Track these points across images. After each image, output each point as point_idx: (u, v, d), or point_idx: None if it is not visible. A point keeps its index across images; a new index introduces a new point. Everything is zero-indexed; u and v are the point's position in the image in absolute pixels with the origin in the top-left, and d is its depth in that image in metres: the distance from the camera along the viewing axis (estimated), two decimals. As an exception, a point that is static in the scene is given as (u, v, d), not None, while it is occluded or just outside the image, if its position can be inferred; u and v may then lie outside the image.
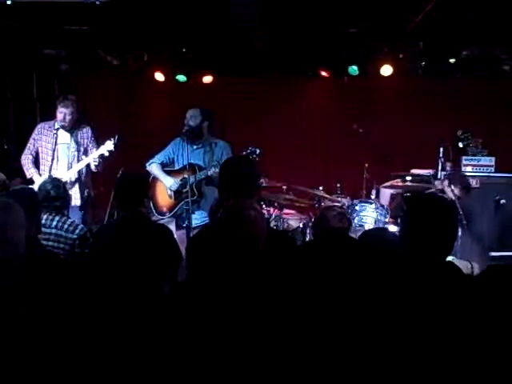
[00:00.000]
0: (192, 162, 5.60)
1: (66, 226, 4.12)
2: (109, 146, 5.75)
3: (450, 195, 5.46)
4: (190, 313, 2.36)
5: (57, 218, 4.13)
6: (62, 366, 2.31)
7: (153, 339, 2.35)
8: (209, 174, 5.53)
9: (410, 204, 2.70)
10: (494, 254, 5.68)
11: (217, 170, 5.30)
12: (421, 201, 2.65)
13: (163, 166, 5.89)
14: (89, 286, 2.70)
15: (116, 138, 5.74)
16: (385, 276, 2.48)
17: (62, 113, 5.85)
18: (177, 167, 5.85)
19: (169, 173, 5.84)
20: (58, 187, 4.26)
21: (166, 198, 5.82)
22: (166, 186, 5.79)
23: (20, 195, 3.65)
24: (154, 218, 5.68)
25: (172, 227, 5.27)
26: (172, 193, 5.77)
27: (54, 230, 4.09)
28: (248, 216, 2.52)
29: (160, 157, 5.89)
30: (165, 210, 5.81)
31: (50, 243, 4.03)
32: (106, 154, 5.77)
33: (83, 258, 4.04)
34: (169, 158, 5.89)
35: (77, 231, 4.12)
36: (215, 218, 3.57)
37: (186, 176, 5.53)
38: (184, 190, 5.61)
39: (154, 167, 5.86)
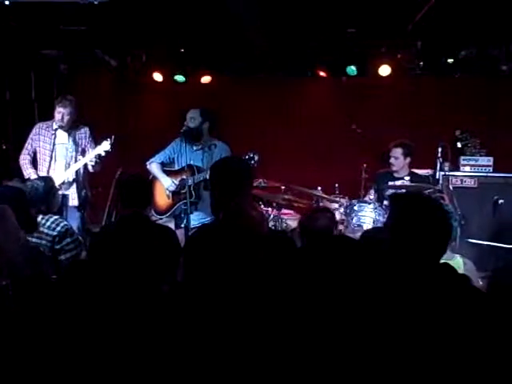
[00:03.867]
0: (191, 163, 5.60)
1: (48, 224, 4.15)
2: (105, 146, 5.75)
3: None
4: (188, 313, 2.36)
5: (41, 216, 4.17)
6: (59, 366, 2.30)
7: (150, 339, 2.35)
8: (207, 177, 5.52)
9: (397, 204, 2.63)
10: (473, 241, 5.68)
11: None
12: (407, 201, 2.59)
13: (163, 165, 5.88)
14: (89, 284, 2.70)
15: (112, 138, 5.74)
16: (382, 277, 2.47)
17: (60, 113, 5.85)
18: (176, 167, 5.85)
19: (168, 173, 5.84)
20: (36, 190, 4.26)
21: (164, 197, 5.82)
22: (164, 186, 5.79)
23: (6, 195, 3.71)
24: (152, 218, 5.69)
25: (170, 227, 5.28)
26: (170, 193, 5.78)
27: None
28: (249, 216, 2.52)
29: (160, 156, 5.89)
30: (163, 209, 5.81)
31: (34, 240, 4.08)
32: (103, 154, 5.77)
33: (65, 255, 4.10)
34: (169, 158, 5.88)
35: (58, 228, 4.15)
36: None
37: (184, 177, 5.54)
38: (182, 192, 5.62)
39: (153, 166, 5.86)
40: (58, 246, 4.13)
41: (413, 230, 2.42)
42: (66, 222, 4.33)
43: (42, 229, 4.14)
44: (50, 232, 4.14)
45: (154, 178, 5.83)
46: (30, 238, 4.04)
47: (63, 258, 4.13)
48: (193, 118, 5.73)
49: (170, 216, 5.78)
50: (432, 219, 2.44)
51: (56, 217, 4.30)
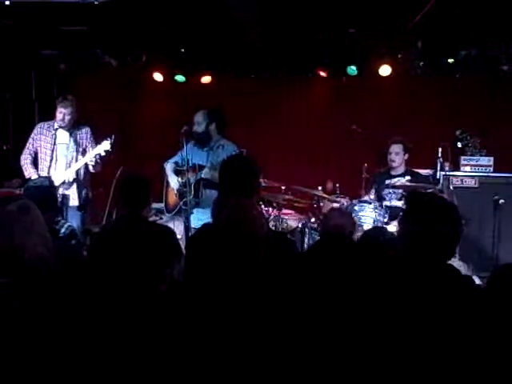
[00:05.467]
0: (197, 162, 5.67)
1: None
2: (106, 145, 5.75)
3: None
4: (189, 312, 2.35)
5: None
6: (58, 365, 2.30)
7: (151, 339, 2.35)
8: (202, 175, 5.60)
9: (411, 204, 2.63)
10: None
11: (208, 172, 5.51)
12: (423, 200, 2.59)
13: (177, 165, 5.97)
14: (88, 284, 2.70)
15: (113, 137, 5.75)
16: (384, 278, 2.46)
17: (62, 113, 5.84)
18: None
19: (179, 172, 5.93)
20: (32, 193, 4.22)
21: (173, 196, 5.93)
22: (170, 184, 5.89)
23: (35, 191, 3.70)
24: (166, 215, 5.97)
25: (171, 225, 5.32)
26: (176, 191, 5.87)
27: None
28: (249, 216, 2.52)
29: (176, 157, 6.01)
30: (171, 207, 5.98)
31: None
32: (103, 153, 5.76)
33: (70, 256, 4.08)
34: (183, 159, 5.94)
35: (62, 230, 4.10)
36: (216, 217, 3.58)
37: (189, 176, 5.61)
38: (184, 190, 5.69)
39: (167, 166, 6.03)
40: None
41: (427, 231, 2.42)
42: (69, 224, 4.30)
43: None
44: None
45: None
46: None
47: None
48: (198, 123, 5.79)
49: (176, 214, 5.88)
50: (447, 220, 2.44)
51: (58, 218, 4.28)
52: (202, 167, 5.68)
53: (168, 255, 3.54)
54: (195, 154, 5.71)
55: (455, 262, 4.21)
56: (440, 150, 6.32)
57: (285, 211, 6.62)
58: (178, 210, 5.87)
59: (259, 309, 2.33)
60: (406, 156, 6.40)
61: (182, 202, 5.75)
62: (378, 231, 4.52)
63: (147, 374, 2.29)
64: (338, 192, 6.54)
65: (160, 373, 2.27)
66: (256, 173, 3.43)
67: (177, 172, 5.95)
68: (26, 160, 5.97)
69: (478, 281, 4.54)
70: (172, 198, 5.96)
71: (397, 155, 6.37)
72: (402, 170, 6.42)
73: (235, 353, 2.22)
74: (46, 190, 3.96)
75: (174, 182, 5.89)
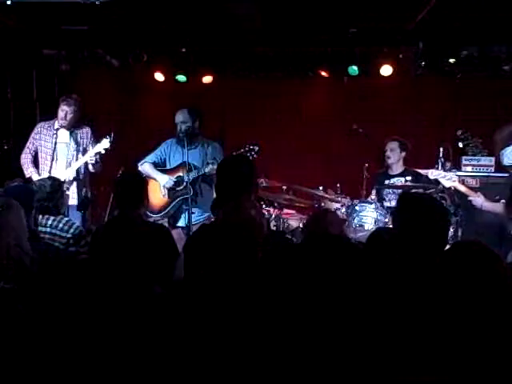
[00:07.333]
0: (186, 161, 5.60)
1: (60, 225, 4.11)
2: (105, 144, 5.75)
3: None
4: (187, 313, 2.35)
5: (52, 217, 4.12)
6: (52, 364, 2.30)
7: (148, 340, 2.35)
8: (206, 171, 5.53)
9: (400, 203, 2.69)
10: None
11: (214, 167, 5.29)
12: (410, 201, 2.65)
13: (155, 166, 5.88)
14: (85, 285, 2.70)
15: (112, 135, 5.73)
16: (382, 276, 2.47)
17: (64, 111, 5.84)
18: (168, 167, 5.85)
19: (162, 172, 5.83)
20: (43, 188, 4.21)
21: (158, 196, 5.78)
22: (160, 183, 5.76)
23: (15, 191, 3.70)
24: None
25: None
26: (166, 190, 5.75)
27: (48, 229, 4.09)
28: (248, 216, 2.52)
29: (152, 157, 5.88)
30: (157, 208, 5.76)
31: (45, 241, 4.04)
32: (103, 152, 5.76)
33: (78, 257, 4.05)
34: (160, 159, 5.88)
35: (71, 230, 4.10)
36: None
37: (181, 174, 5.55)
38: (178, 188, 5.63)
39: (146, 166, 5.84)
40: (72, 249, 4.09)
41: (416, 229, 2.45)
42: (78, 224, 4.31)
43: (54, 231, 4.10)
44: (64, 234, 4.08)
45: (147, 178, 5.82)
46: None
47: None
48: (183, 122, 5.68)
49: (165, 215, 5.74)
50: (434, 220, 2.47)
51: (67, 218, 4.28)
52: (194, 165, 5.62)
53: (164, 255, 3.53)
54: (184, 154, 5.63)
55: None
56: (441, 149, 6.31)
57: (286, 211, 6.62)
58: (169, 210, 5.72)
59: (257, 309, 2.33)
60: (403, 154, 6.41)
61: (175, 202, 5.67)
62: (383, 231, 4.52)
63: (145, 375, 2.29)
64: (339, 192, 6.54)
65: (158, 374, 2.27)
66: (253, 173, 3.43)
67: (159, 171, 5.84)
68: (25, 159, 5.98)
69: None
70: (157, 198, 5.74)
71: (392, 151, 6.39)
72: (400, 169, 6.42)
73: (232, 354, 2.23)
74: (24, 191, 3.95)
75: (165, 180, 5.74)
